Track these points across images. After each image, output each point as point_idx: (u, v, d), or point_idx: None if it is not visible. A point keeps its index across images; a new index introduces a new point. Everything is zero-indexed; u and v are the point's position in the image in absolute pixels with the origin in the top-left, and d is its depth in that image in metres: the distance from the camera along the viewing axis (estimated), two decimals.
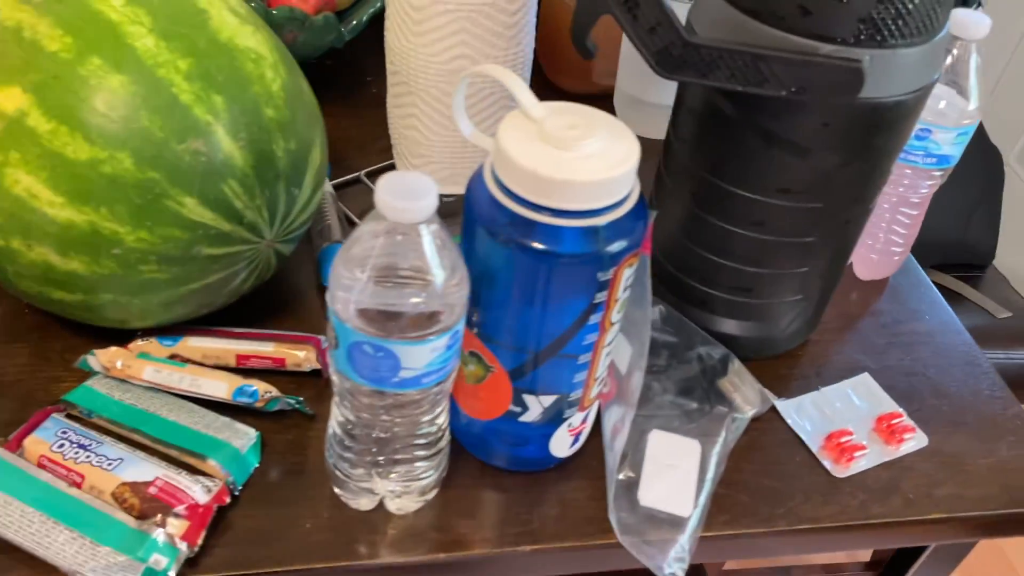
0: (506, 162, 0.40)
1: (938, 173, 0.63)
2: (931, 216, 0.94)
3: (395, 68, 0.60)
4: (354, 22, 0.76)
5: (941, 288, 1.02)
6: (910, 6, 0.44)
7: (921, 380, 0.61)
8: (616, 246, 0.41)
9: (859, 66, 0.44)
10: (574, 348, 0.45)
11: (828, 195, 0.52)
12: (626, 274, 0.43)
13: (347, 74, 0.84)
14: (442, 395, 0.45)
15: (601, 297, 0.43)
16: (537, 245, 0.40)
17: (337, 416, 0.46)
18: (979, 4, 1.06)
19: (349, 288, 0.39)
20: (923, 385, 0.61)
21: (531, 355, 0.45)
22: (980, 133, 1.00)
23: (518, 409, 0.47)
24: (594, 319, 0.44)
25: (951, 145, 0.61)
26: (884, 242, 0.67)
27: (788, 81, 0.45)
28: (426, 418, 0.45)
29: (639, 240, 0.43)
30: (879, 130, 0.49)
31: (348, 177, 0.70)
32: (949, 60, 0.59)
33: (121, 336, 0.54)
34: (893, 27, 0.44)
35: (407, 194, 0.37)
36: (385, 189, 0.37)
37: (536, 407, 0.47)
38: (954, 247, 1.00)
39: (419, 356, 0.40)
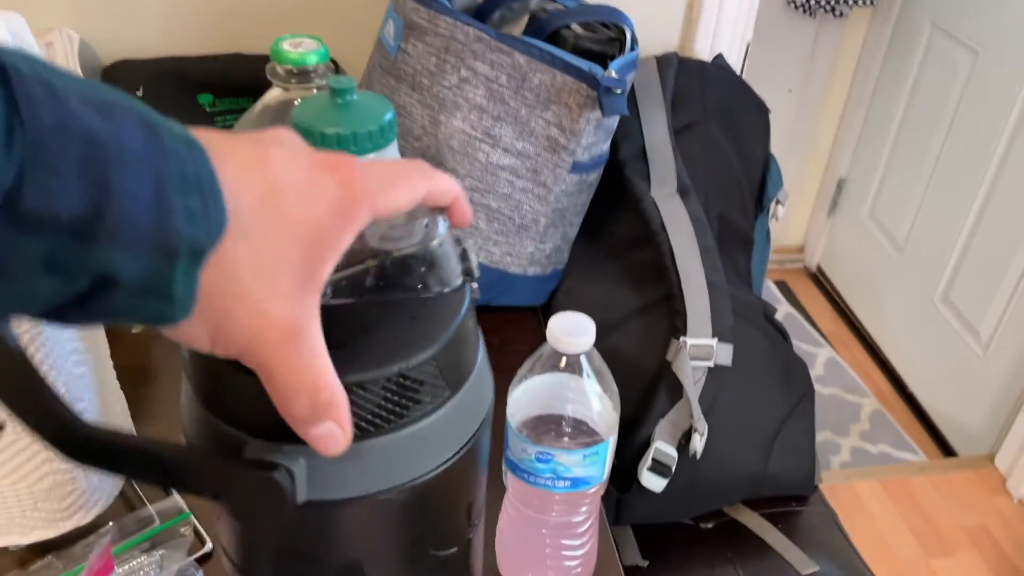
0: None
1: (590, 491, 0.52)
2: (725, 449, 0.83)
3: None
4: None
5: (747, 531, 0.90)
6: None
7: None
8: None
9: (270, 476, 0.34)
10: None
11: None
12: None
13: None
14: None
15: None
16: None
17: None
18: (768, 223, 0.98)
19: None
20: None
21: None
22: (780, 347, 0.89)
23: None
24: None
25: (583, 467, 0.50)
26: (556, 568, 0.55)
27: (202, 486, 0.35)
28: None
29: None
30: (354, 532, 0.38)
31: None
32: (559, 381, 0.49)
33: None
34: None
35: None
36: None
37: None
38: (759, 481, 0.88)
39: None
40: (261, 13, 0.91)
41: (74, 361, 0.50)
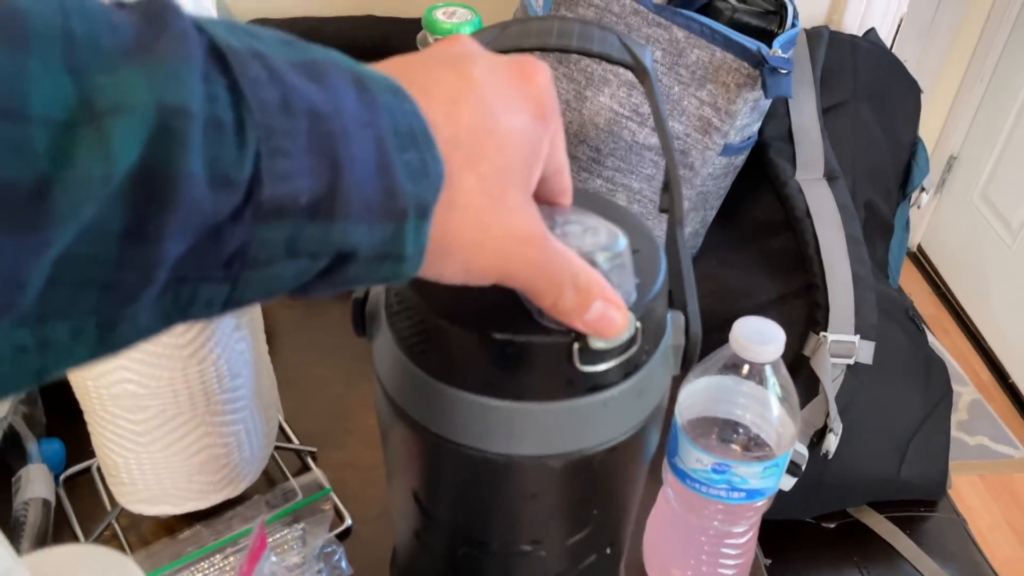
0: None
1: (759, 504, 0.49)
2: (857, 450, 0.80)
3: (72, 383, 0.50)
4: None
5: (872, 533, 0.86)
6: None
7: None
8: None
9: None
10: None
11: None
12: None
13: None
14: None
15: None
16: None
17: None
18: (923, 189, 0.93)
19: None
20: None
21: None
22: (920, 345, 0.85)
23: None
24: None
25: (761, 479, 0.47)
26: (711, 574, 0.53)
27: None
28: None
29: None
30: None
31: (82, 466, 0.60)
32: (741, 382, 0.46)
33: None
34: None
35: None
36: None
37: None
38: (889, 485, 0.84)
39: None
40: None
41: (236, 338, 0.50)
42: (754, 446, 0.48)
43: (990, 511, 1.62)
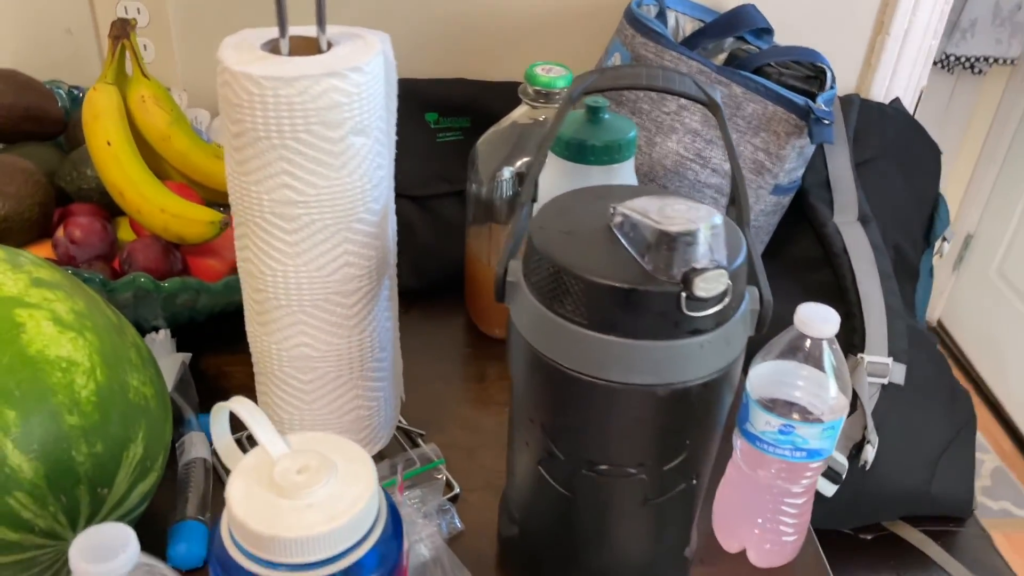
0: (229, 507, 0.39)
1: (815, 465, 0.59)
2: (891, 465, 0.89)
3: (251, 350, 0.61)
4: None
5: (906, 544, 0.94)
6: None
7: None
8: None
9: None
10: None
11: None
12: None
13: None
14: None
15: None
16: None
17: None
18: (944, 239, 1.04)
19: None
20: None
21: None
22: (946, 375, 0.94)
23: None
24: None
25: (819, 440, 0.57)
26: (773, 531, 0.62)
27: None
28: None
29: None
30: None
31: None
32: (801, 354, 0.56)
33: None
34: None
35: (99, 555, 0.36)
36: (77, 550, 0.36)
37: None
38: (920, 499, 0.92)
39: None
40: (481, 45, 1.03)
41: (385, 316, 0.61)
42: (809, 415, 0.58)
43: (1013, 565, 1.67)
